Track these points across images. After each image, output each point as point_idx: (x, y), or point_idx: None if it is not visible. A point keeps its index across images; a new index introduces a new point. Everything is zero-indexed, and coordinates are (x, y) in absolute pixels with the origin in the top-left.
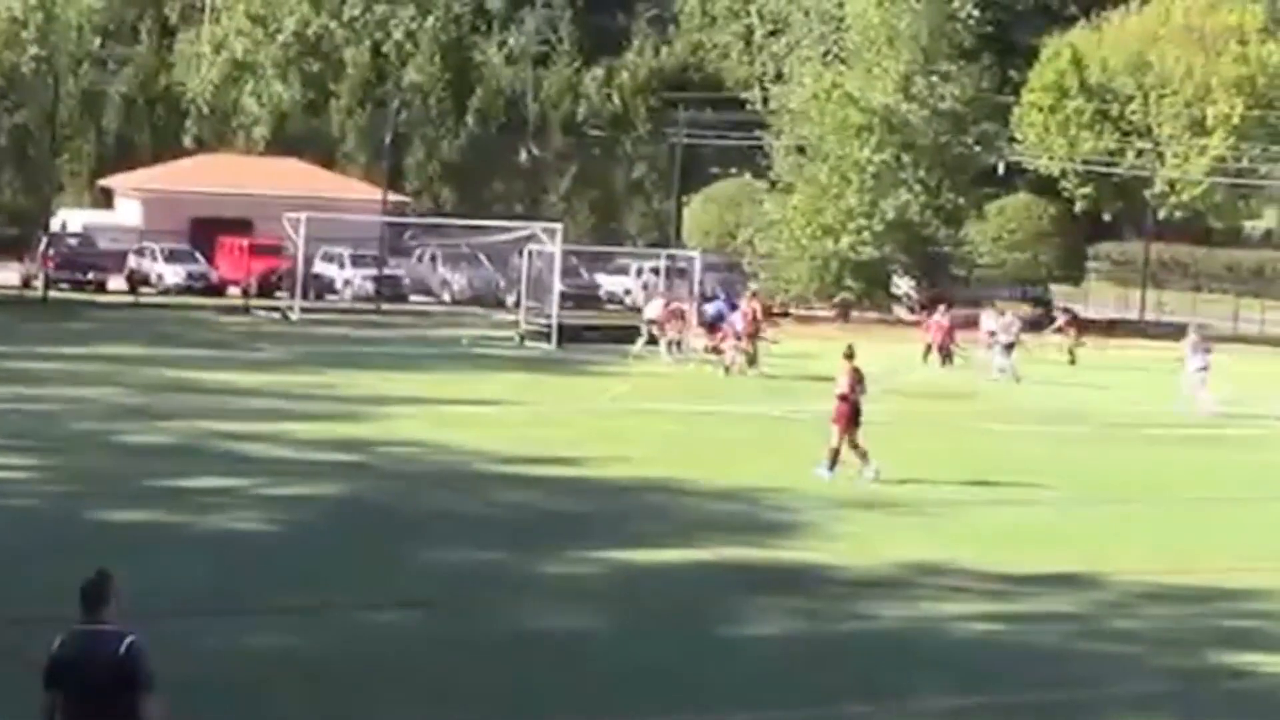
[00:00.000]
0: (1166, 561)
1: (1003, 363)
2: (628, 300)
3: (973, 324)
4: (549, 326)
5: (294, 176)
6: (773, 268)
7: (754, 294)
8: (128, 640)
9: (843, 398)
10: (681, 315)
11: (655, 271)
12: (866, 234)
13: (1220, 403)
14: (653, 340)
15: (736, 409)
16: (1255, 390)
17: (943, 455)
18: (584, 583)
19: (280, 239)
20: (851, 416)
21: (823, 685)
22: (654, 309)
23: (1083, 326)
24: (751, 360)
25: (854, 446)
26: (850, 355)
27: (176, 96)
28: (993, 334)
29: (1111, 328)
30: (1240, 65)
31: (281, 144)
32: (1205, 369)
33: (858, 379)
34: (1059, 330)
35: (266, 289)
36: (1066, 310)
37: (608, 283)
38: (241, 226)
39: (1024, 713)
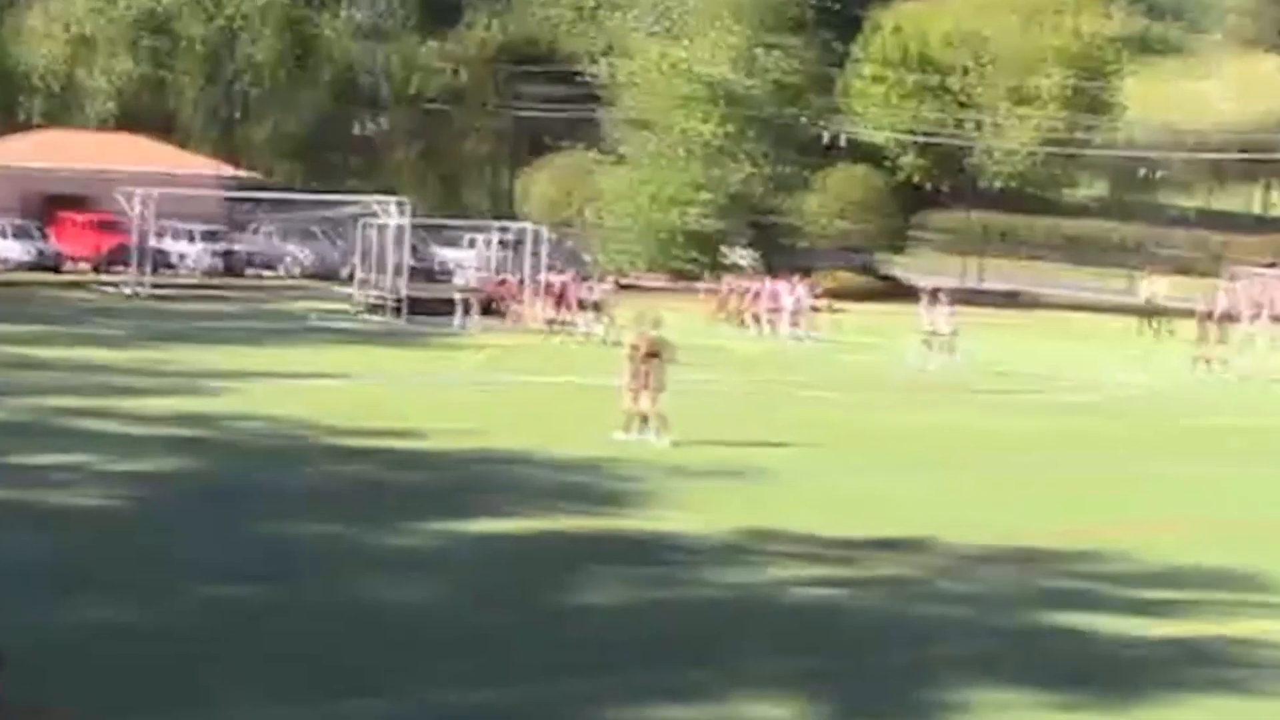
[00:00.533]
0: (995, 525)
1: (794, 331)
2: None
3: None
4: (389, 299)
5: (137, 152)
6: (611, 240)
7: (612, 274)
8: None
9: (644, 360)
10: (506, 285)
11: (500, 244)
12: (703, 206)
13: (942, 365)
14: (485, 311)
15: (579, 380)
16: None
17: (770, 423)
18: (423, 554)
19: (123, 215)
20: (652, 379)
21: (660, 652)
22: (467, 279)
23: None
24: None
25: (648, 411)
26: (655, 322)
27: (16, 72)
28: (776, 306)
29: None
30: (1064, 37)
31: (125, 119)
32: (943, 331)
33: (659, 343)
34: (819, 299)
35: (109, 264)
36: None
37: (448, 256)
38: (85, 202)
39: (859, 675)
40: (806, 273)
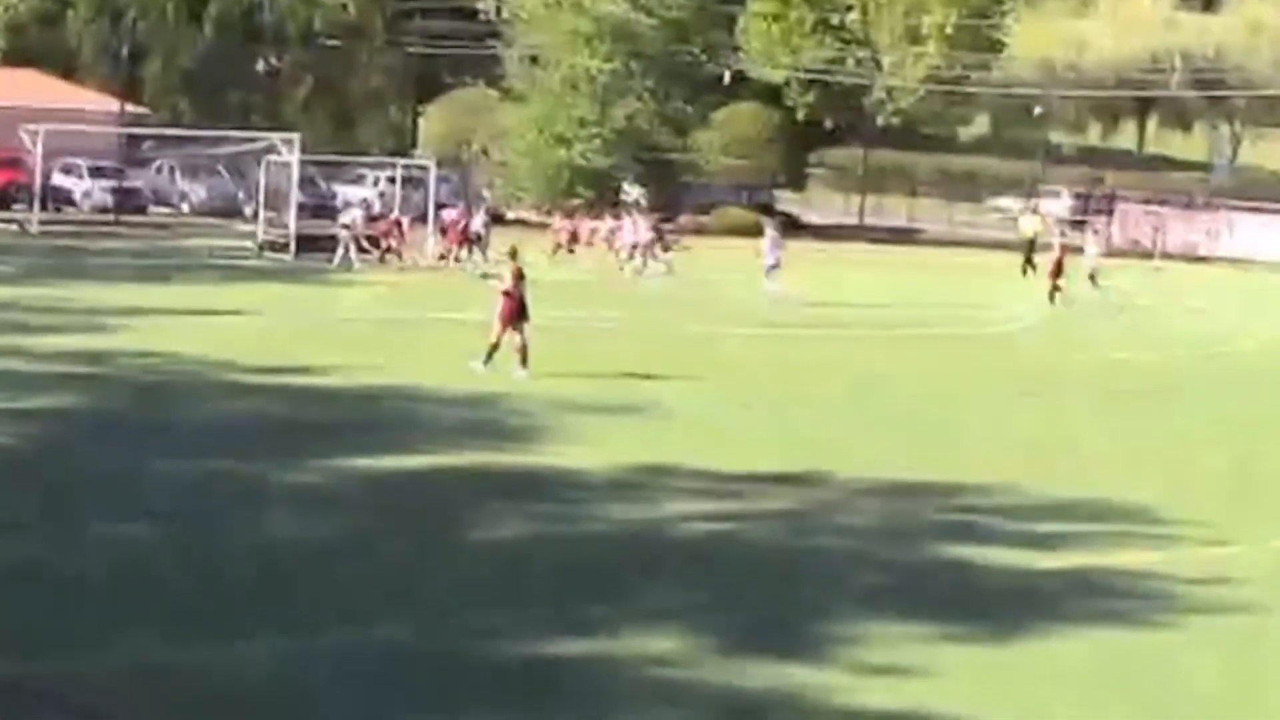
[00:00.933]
0: (885, 459)
1: (642, 265)
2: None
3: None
4: (287, 237)
5: (31, 88)
6: (506, 176)
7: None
8: None
9: (507, 294)
10: (399, 225)
11: (391, 181)
12: (597, 143)
13: (791, 297)
14: (363, 250)
15: (475, 316)
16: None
17: (657, 358)
18: (323, 490)
19: (17, 151)
20: (516, 312)
21: (558, 587)
22: (349, 216)
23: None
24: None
25: (517, 345)
26: (514, 254)
27: None
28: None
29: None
30: None
31: (18, 55)
32: (777, 265)
33: (520, 277)
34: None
35: (4, 202)
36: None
37: (345, 192)
38: None
39: (753, 608)
40: (707, 210)
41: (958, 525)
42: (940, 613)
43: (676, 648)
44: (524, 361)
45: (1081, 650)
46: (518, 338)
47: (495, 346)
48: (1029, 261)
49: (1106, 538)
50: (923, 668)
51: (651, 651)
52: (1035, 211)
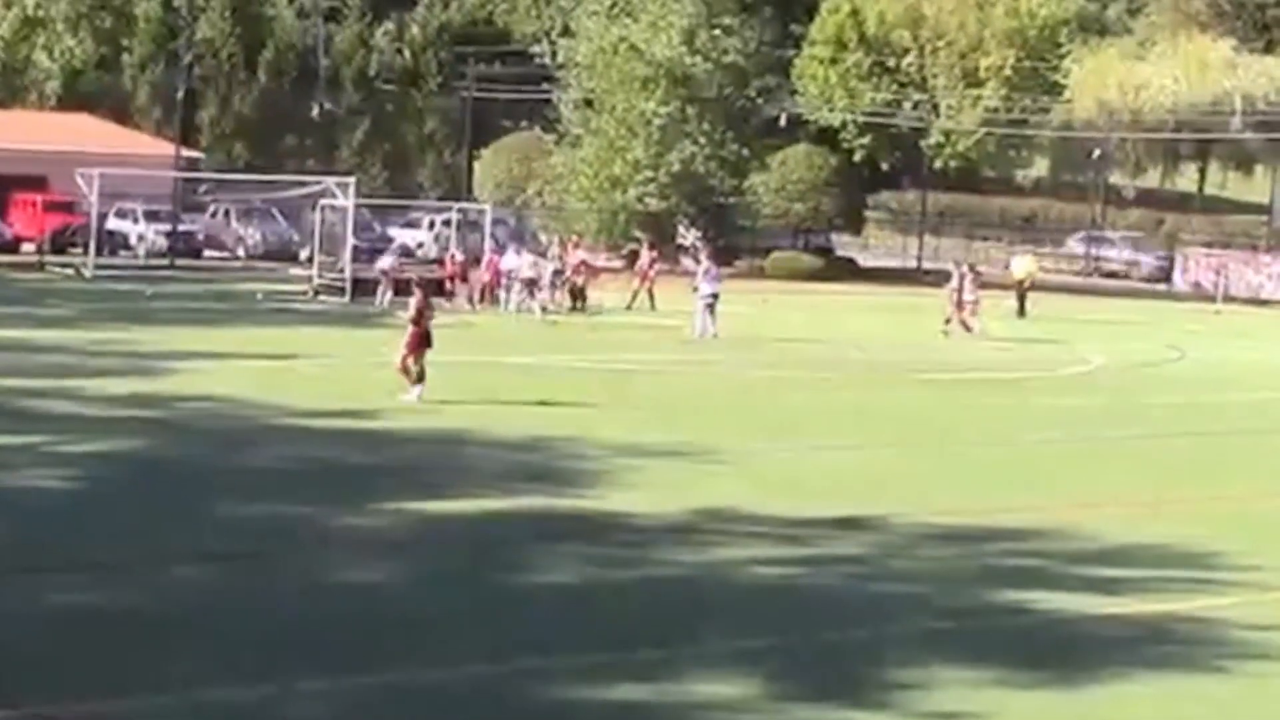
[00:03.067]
0: (943, 504)
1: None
2: (420, 253)
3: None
4: (342, 280)
5: (87, 132)
6: (561, 220)
7: (575, 243)
8: None
9: (414, 322)
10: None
11: (446, 224)
12: (653, 186)
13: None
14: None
15: (530, 359)
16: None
17: (716, 402)
18: (380, 534)
19: (74, 195)
20: (421, 341)
21: (615, 631)
22: (386, 262)
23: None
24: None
25: (414, 369)
26: (421, 284)
27: None
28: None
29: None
30: (1011, 18)
31: (74, 100)
32: (715, 296)
33: (426, 306)
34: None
35: (60, 246)
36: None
37: (400, 236)
38: (35, 183)
39: (812, 653)
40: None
41: (1019, 570)
42: (1001, 659)
43: (735, 693)
44: (417, 381)
45: (1146, 698)
46: (418, 366)
47: (408, 372)
48: (1021, 304)
49: (1173, 583)
50: (984, 714)
51: (709, 697)
52: (1030, 254)
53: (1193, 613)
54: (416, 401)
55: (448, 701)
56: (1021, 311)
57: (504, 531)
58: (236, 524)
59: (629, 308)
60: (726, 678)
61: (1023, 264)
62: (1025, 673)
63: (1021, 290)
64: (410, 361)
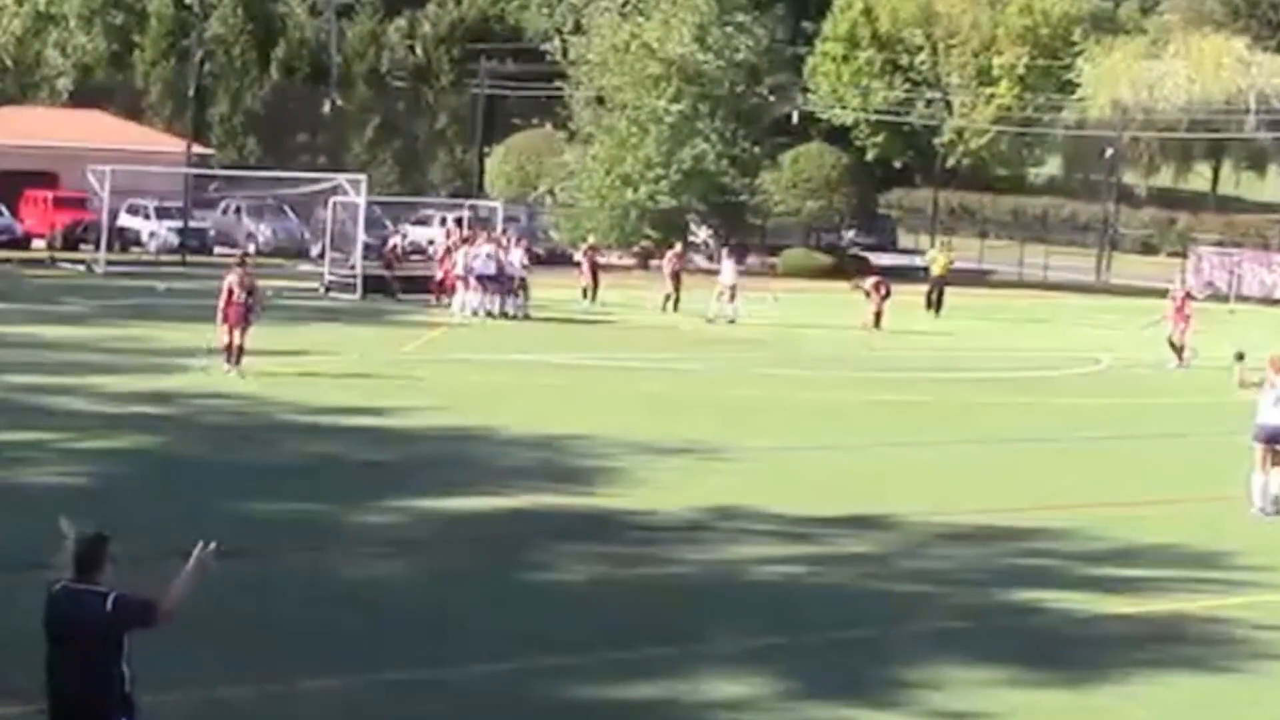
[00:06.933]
0: (954, 503)
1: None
2: (430, 250)
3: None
4: (353, 277)
5: (99, 129)
6: (573, 217)
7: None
8: (112, 596)
9: (230, 298)
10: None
11: (458, 222)
12: (664, 183)
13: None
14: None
15: (540, 357)
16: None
17: (719, 399)
18: (390, 532)
19: (85, 192)
20: (243, 316)
21: (625, 629)
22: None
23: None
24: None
25: (234, 345)
26: (242, 262)
27: None
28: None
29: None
30: (1024, 17)
31: (86, 96)
32: (733, 287)
33: (251, 286)
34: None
35: (71, 242)
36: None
37: (411, 233)
38: (46, 179)
39: (821, 652)
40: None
41: (1029, 569)
42: (1012, 657)
43: (745, 691)
44: (235, 360)
45: (1156, 697)
46: (236, 338)
47: (230, 347)
48: (938, 298)
49: (1182, 583)
50: (995, 714)
51: (720, 695)
52: (945, 248)
53: (1203, 612)
54: (233, 374)
55: (458, 698)
56: (934, 306)
57: (514, 529)
58: (247, 520)
59: (663, 310)
60: (736, 676)
61: (937, 258)
62: (1036, 672)
63: (936, 285)
64: (231, 335)
